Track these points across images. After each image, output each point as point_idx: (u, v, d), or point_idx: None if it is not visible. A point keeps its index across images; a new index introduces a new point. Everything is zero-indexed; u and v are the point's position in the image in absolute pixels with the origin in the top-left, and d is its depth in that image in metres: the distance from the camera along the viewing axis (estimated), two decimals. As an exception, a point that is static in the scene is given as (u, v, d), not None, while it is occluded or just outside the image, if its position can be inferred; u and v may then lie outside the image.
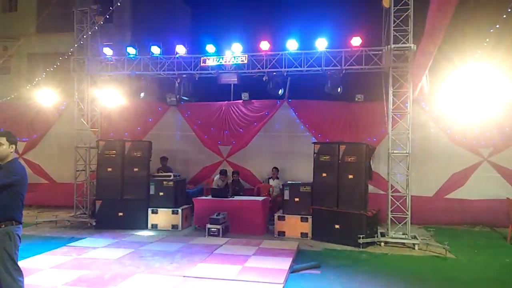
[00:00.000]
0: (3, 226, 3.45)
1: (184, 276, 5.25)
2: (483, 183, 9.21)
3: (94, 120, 9.59)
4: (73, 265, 5.74)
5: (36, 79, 10.21)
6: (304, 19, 16.99)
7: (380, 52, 7.85)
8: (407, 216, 7.44)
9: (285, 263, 5.81)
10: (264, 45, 8.39)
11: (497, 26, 6.00)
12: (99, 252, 6.49)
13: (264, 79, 8.54)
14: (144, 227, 8.51)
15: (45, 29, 15.38)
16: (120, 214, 8.51)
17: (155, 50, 8.92)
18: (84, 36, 9.11)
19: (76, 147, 9.31)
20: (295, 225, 7.95)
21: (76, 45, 9.24)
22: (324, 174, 7.77)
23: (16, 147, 3.71)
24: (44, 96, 10.02)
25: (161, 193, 8.60)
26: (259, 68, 8.57)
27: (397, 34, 7.46)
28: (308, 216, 7.88)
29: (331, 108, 10.20)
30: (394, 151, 7.70)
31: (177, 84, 9.04)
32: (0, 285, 3.42)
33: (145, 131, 11.01)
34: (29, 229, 8.42)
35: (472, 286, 5.29)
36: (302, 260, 6.22)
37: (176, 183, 8.68)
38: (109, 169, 8.67)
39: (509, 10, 5.98)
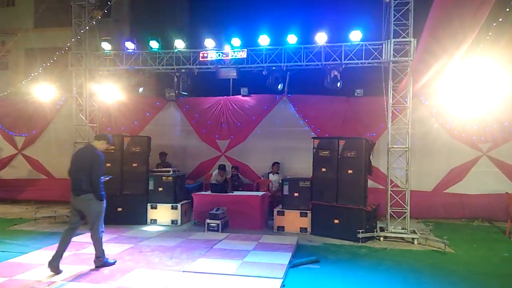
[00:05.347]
0: None
1: (183, 271, 5.25)
2: (482, 178, 9.23)
3: (92, 115, 9.55)
4: (72, 260, 5.73)
5: (32, 74, 10.15)
6: (304, 13, 16.90)
7: (380, 46, 7.80)
8: (406, 210, 7.45)
9: (284, 258, 5.81)
10: (264, 40, 8.34)
11: (500, 20, 5.96)
12: (98, 247, 6.47)
13: (263, 73, 8.50)
14: (143, 222, 8.51)
15: (43, 24, 15.31)
16: (119, 209, 8.49)
17: (154, 44, 8.87)
18: (82, 31, 9.04)
19: (75, 143, 9.28)
20: (294, 220, 7.95)
21: (74, 40, 9.17)
22: (323, 169, 7.76)
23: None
24: (42, 91, 9.97)
25: (160, 189, 8.59)
26: (258, 63, 8.52)
27: (397, 28, 7.43)
28: (308, 211, 7.88)
29: (330, 103, 10.17)
30: (394, 146, 7.69)
31: (175, 79, 9.00)
32: None
33: (142, 125, 10.96)
34: (28, 224, 8.44)
35: (471, 280, 5.30)
36: (301, 255, 6.22)
37: (175, 179, 8.67)
38: (108, 165, 8.61)
39: None
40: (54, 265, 5.10)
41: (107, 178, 5.61)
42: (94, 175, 5.19)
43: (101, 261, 5.35)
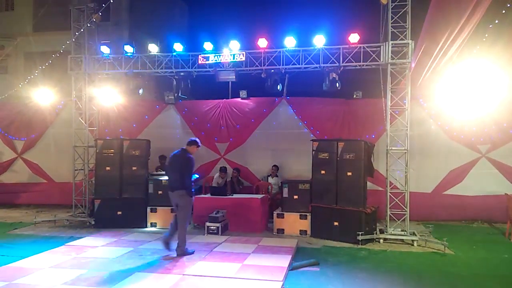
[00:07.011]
0: None
1: (183, 275, 5.25)
2: (482, 179, 9.22)
3: (92, 119, 9.55)
4: (72, 264, 5.73)
5: (28, 77, 10.17)
6: (302, 16, 16.98)
7: (378, 48, 7.82)
8: (405, 212, 7.46)
9: (284, 261, 5.82)
10: (262, 42, 8.35)
11: (496, 21, 5.99)
12: (98, 251, 6.49)
13: (262, 76, 8.51)
14: (143, 225, 8.51)
15: (42, 28, 15.37)
16: (119, 213, 8.50)
17: (153, 48, 8.88)
18: (77, 34, 9.04)
19: (74, 146, 9.28)
20: (294, 223, 7.95)
21: (71, 43, 9.19)
22: (323, 172, 7.77)
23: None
24: (41, 95, 9.98)
25: (160, 192, 8.58)
26: (257, 66, 8.53)
27: (395, 31, 7.45)
28: (307, 214, 7.88)
29: (329, 105, 10.17)
30: (393, 148, 7.70)
31: (174, 82, 9.01)
32: None
33: (140, 128, 10.93)
34: (28, 228, 8.43)
35: (470, 282, 5.31)
36: (301, 257, 6.22)
37: (175, 182, 8.66)
38: (108, 168, 8.65)
39: (509, 5, 5.97)
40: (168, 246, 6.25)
41: (198, 177, 6.72)
42: (186, 175, 6.10)
43: (182, 250, 6.12)
